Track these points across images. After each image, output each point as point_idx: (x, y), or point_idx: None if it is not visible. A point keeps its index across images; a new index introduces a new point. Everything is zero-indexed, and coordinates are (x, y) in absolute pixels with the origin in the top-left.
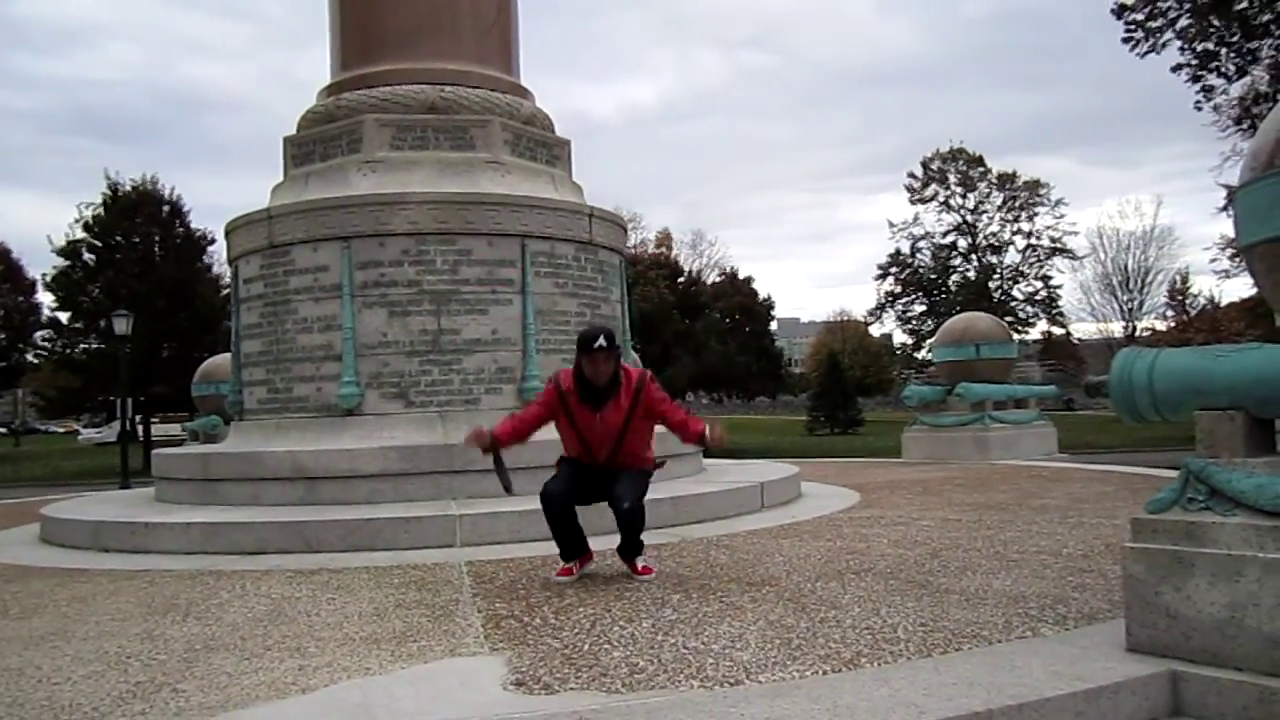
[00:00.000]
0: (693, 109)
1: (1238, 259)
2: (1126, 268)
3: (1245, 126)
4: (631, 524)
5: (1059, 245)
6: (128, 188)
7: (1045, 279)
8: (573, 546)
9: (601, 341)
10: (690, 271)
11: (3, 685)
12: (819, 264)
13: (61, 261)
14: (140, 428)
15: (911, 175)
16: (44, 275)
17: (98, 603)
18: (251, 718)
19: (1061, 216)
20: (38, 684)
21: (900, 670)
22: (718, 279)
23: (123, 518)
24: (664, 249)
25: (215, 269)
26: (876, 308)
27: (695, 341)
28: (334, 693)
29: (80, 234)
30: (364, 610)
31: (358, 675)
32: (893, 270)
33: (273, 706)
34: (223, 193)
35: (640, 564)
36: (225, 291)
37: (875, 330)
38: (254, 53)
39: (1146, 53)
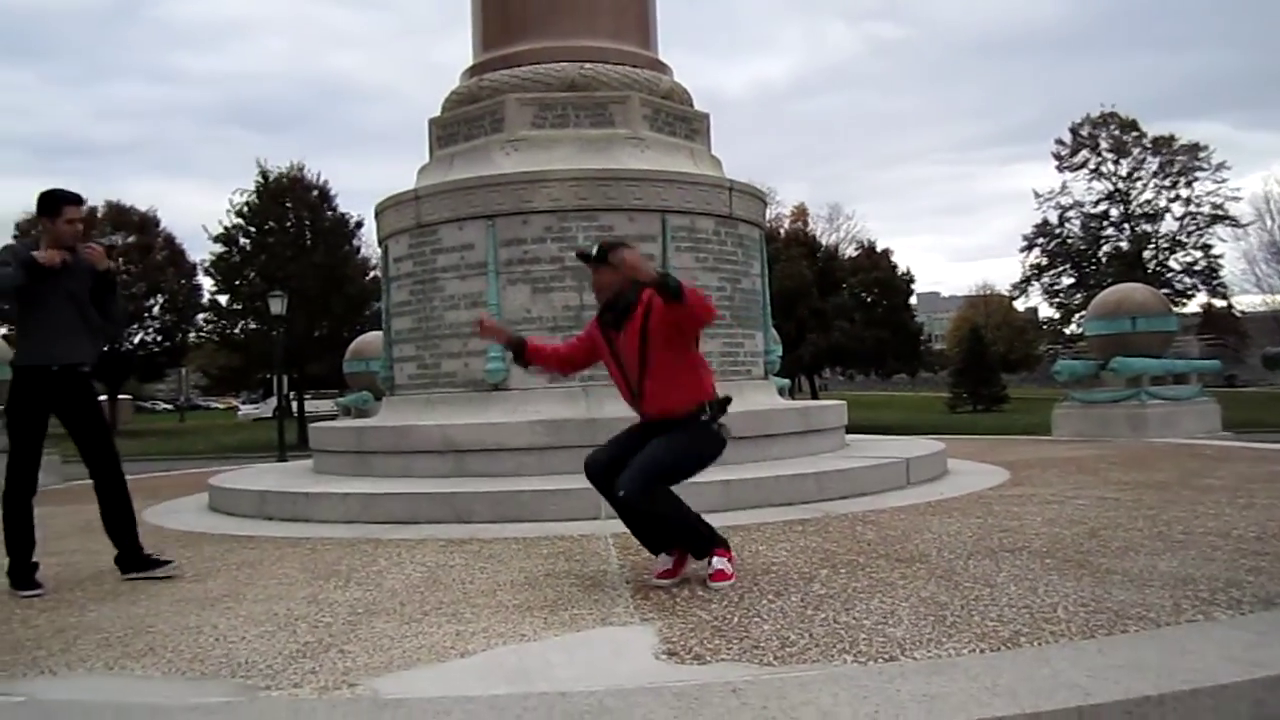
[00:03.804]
0: (823, 83)
1: None
2: None
3: None
4: (630, 520)
5: (1221, 212)
6: (277, 175)
7: (1205, 248)
8: (651, 534)
9: (591, 250)
10: (827, 246)
11: (185, 641)
12: (957, 237)
13: (219, 247)
14: (295, 404)
15: (1059, 142)
16: (204, 260)
17: (265, 568)
18: (415, 679)
19: (1223, 181)
20: (215, 641)
21: (1062, 651)
22: (855, 253)
23: (285, 488)
24: (800, 223)
25: (363, 252)
26: (1022, 281)
27: (826, 319)
28: (492, 657)
29: (235, 220)
30: (515, 579)
31: (513, 641)
32: (1039, 241)
33: (435, 669)
34: (366, 178)
35: (713, 566)
36: (373, 274)
37: (1020, 304)
38: (394, 42)
39: None
